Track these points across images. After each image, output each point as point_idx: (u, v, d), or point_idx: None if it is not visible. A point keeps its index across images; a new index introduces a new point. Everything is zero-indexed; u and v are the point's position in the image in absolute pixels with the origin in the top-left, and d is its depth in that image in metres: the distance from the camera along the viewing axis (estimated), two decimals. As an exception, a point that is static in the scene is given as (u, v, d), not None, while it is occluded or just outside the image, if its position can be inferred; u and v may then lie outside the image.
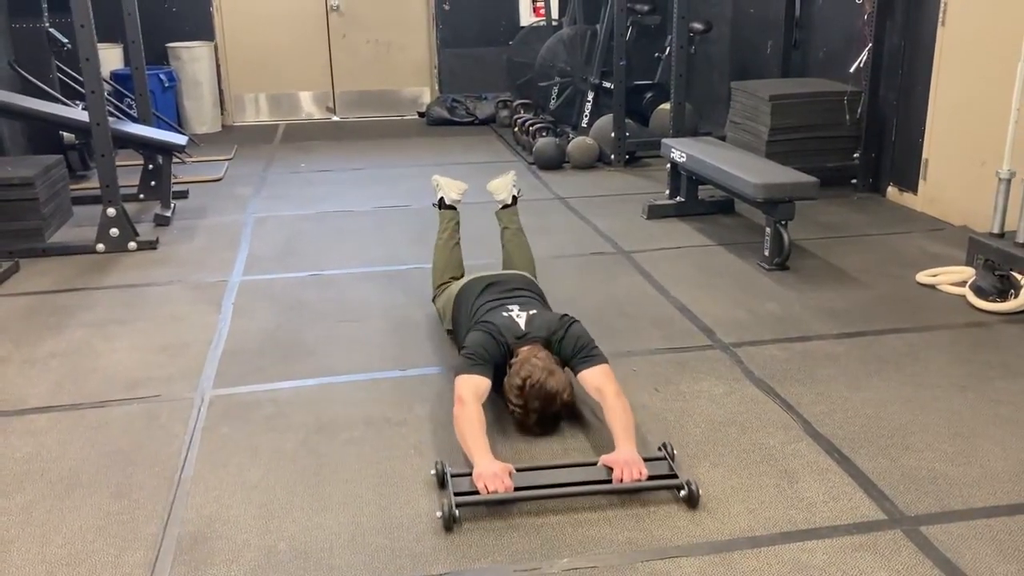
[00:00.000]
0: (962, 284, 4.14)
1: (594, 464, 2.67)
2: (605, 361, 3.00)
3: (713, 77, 8.11)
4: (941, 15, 5.22)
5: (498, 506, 2.55)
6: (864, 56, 5.77)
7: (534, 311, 3.17)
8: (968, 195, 5.09)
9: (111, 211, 4.97)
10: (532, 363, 2.90)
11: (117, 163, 5.10)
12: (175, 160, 6.13)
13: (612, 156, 6.89)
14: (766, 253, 4.55)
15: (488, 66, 9.35)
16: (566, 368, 3.04)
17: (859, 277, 4.42)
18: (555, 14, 8.76)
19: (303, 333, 3.86)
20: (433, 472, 2.67)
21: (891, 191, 5.83)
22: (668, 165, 5.55)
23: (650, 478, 2.59)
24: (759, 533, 2.45)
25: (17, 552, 2.42)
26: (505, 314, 3.14)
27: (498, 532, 2.46)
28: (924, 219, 5.39)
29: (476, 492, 2.52)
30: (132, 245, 5.02)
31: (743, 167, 4.79)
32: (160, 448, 2.93)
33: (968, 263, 4.26)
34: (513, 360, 2.99)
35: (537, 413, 2.89)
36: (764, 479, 2.70)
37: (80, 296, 4.35)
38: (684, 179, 5.46)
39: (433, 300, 3.91)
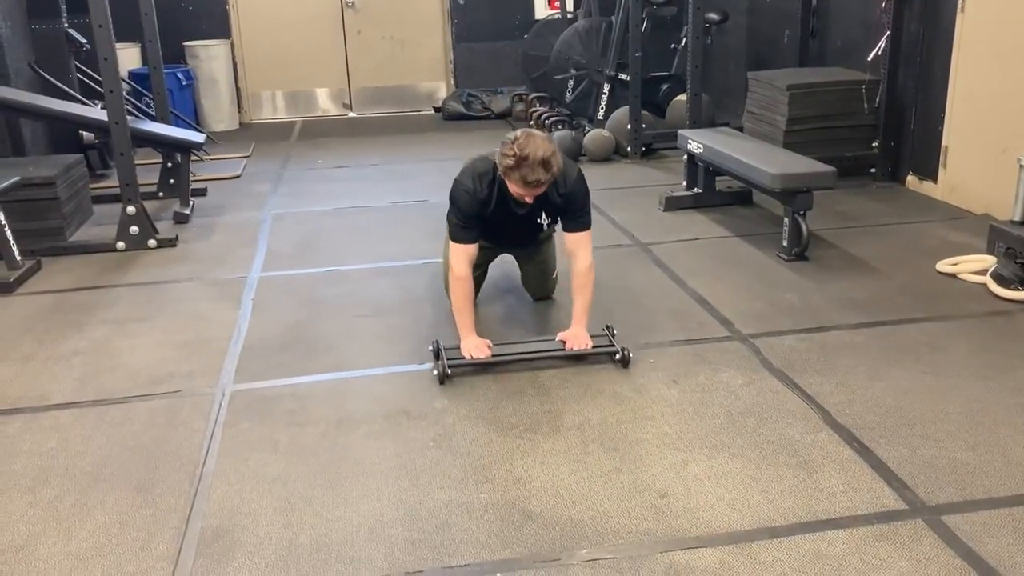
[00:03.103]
0: (983, 272, 4.11)
1: (552, 339, 3.47)
2: (589, 226, 3.49)
3: (730, 67, 8.07)
4: (960, 1, 5.16)
5: (480, 367, 3.35)
6: (882, 44, 5.72)
7: None
8: (989, 183, 5.04)
9: (131, 209, 5.01)
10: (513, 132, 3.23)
11: (136, 162, 5.14)
12: (193, 158, 6.18)
13: (628, 148, 6.87)
14: (784, 243, 4.53)
15: (503, 60, 9.35)
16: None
17: (878, 267, 4.39)
18: (570, 6, 8.73)
19: (322, 328, 3.88)
20: (431, 348, 3.42)
21: (910, 180, 5.79)
22: (685, 156, 5.54)
23: (594, 347, 3.39)
24: (778, 523, 2.44)
25: (43, 545, 2.45)
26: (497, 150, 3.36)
27: (518, 524, 2.47)
28: (944, 207, 5.34)
29: (463, 359, 3.34)
30: (152, 243, 5.06)
31: (761, 157, 4.77)
32: (182, 443, 2.96)
33: (989, 251, 4.22)
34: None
35: (527, 159, 3.14)
36: (783, 469, 2.70)
37: (101, 294, 4.40)
38: (701, 170, 5.44)
39: (445, 289, 3.93)
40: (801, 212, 4.44)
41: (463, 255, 3.41)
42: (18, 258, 4.60)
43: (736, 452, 2.80)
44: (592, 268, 3.47)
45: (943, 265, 4.29)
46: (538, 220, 3.57)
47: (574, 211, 3.46)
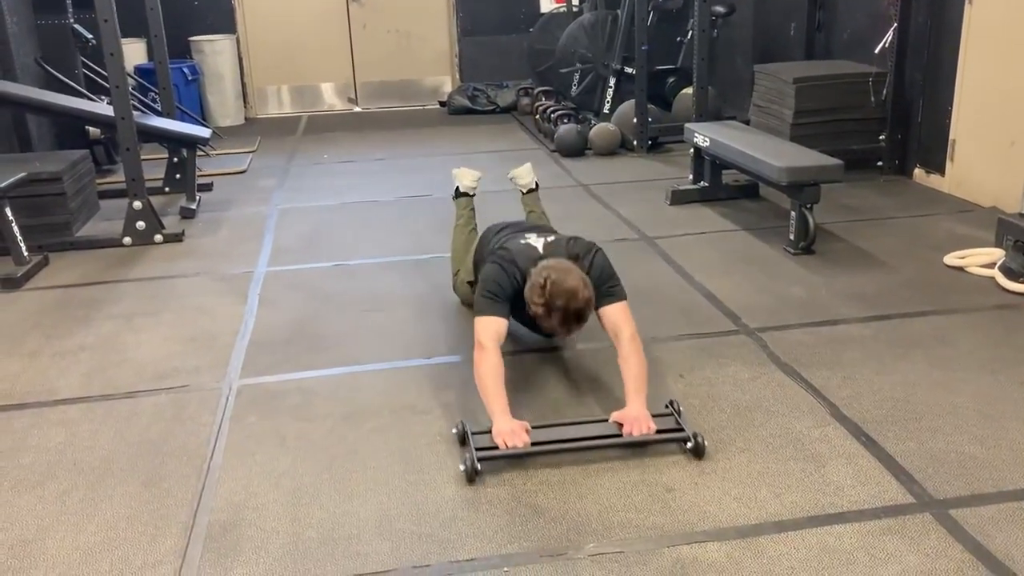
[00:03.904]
0: (991, 266, 4.09)
1: (605, 421, 2.81)
2: (624, 297, 3.05)
3: (736, 61, 8.05)
4: (968, -7, 5.14)
5: (516, 459, 2.68)
6: (889, 36, 5.70)
7: (552, 238, 3.18)
8: (997, 175, 5.02)
9: (137, 204, 5.02)
10: (550, 265, 2.91)
11: (142, 157, 5.15)
12: (199, 153, 6.18)
13: (635, 142, 6.86)
14: (791, 237, 4.51)
15: (509, 54, 9.34)
16: None
17: (886, 260, 4.37)
18: (575, 0, 8.72)
19: (328, 323, 3.88)
20: (455, 431, 2.84)
21: (918, 173, 5.76)
22: (691, 150, 5.52)
23: (658, 432, 2.74)
24: (786, 517, 2.44)
25: (52, 540, 2.46)
26: (522, 241, 3.15)
27: (524, 518, 2.47)
28: (952, 201, 5.32)
29: (495, 447, 2.67)
30: (158, 238, 5.07)
31: (767, 151, 4.75)
32: (189, 437, 2.97)
33: (997, 244, 4.20)
34: (532, 270, 2.96)
35: (561, 311, 2.86)
36: (791, 463, 2.69)
37: (108, 289, 4.41)
38: (708, 164, 5.43)
39: (454, 287, 3.93)
40: (808, 205, 4.43)
41: (492, 329, 2.92)
42: (25, 254, 4.61)
43: (743, 446, 2.79)
44: (636, 337, 2.97)
45: (951, 258, 4.27)
46: None
47: (601, 285, 3.02)
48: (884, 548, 2.30)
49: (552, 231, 3.41)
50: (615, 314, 3.00)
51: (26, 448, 2.94)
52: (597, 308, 3.00)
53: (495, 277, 3.01)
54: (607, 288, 3.03)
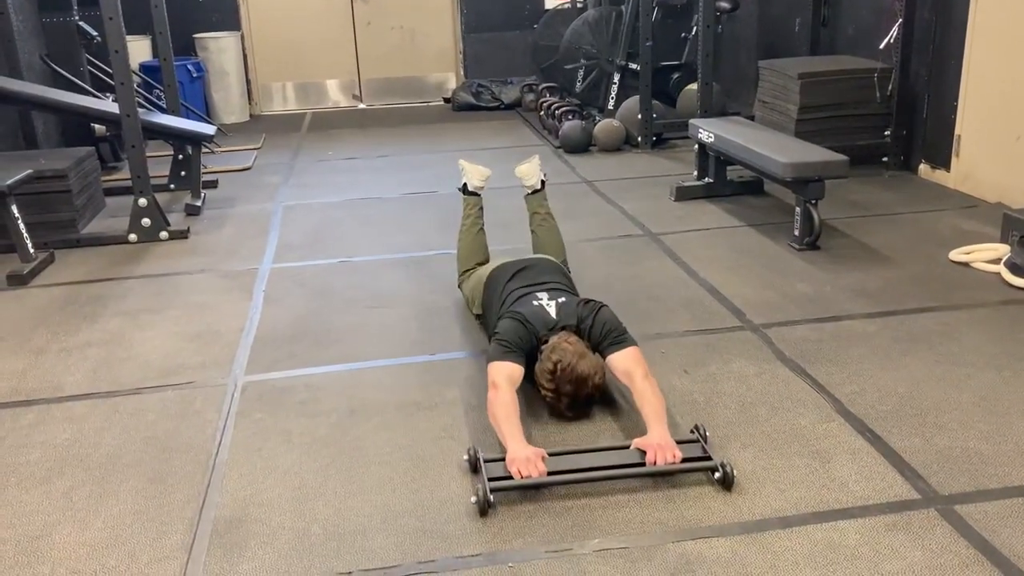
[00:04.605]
0: (997, 261, 4.09)
1: (627, 447, 2.68)
2: (634, 344, 3.00)
3: (741, 56, 8.03)
4: (973, -12, 5.12)
5: (531, 490, 2.57)
6: (894, 32, 5.68)
7: (563, 299, 3.16)
8: (1002, 171, 5.01)
9: (142, 201, 5.03)
10: (563, 348, 2.90)
11: (147, 154, 5.16)
12: (204, 150, 6.19)
13: (639, 138, 6.85)
14: (796, 233, 4.51)
15: (513, 50, 9.33)
16: (596, 353, 3.03)
17: (891, 256, 4.37)
18: (580, -4, 8.72)
19: (333, 319, 3.89)
20: (466, 458, 2.71)
21: (923, 168, 5.75)
22: (696, 146, 5.52)
23: (684, 460, 2.60)
24: (790, 513, 2.44)
25: (59, 535, 2.47)
26: (535, 303, 3.14)
27: (529, 514, 2.47)
28: (957, 196, 5.31)
29: (509, 477, 2.55)
30: (163, 235, 5.08)
31: (772, 146, 4.74)
32: (195, 433, 2.98)
33: (1003, 240, 4.20)
34: (544, 346, 2.99)
35: (569, 397, 2.89)
36: (795, 459, 2.69)
37: (114, 286, 4.42)
38: (712, 160, 5.43)
39: (459, 286, 3.93)
40: (813, 201, 4.42)
41: (506, 373, 2.86)
42: (31, 251, 4.63)
43: (747, 442, 2.79)
44: (651, 376, 2.87)
45: (956, 254, 4.26)
46: None
47: (606, 337, 3.00)
48: (889, 544, 2.30)
49: (563, 287, 3.34)
50: (626, 358, 2.93)
51: (33, 444, 2.95)
52: (606, 357, 2.97)
53: (514, 329, 3.00)
54: (614, 338, 2.99)
